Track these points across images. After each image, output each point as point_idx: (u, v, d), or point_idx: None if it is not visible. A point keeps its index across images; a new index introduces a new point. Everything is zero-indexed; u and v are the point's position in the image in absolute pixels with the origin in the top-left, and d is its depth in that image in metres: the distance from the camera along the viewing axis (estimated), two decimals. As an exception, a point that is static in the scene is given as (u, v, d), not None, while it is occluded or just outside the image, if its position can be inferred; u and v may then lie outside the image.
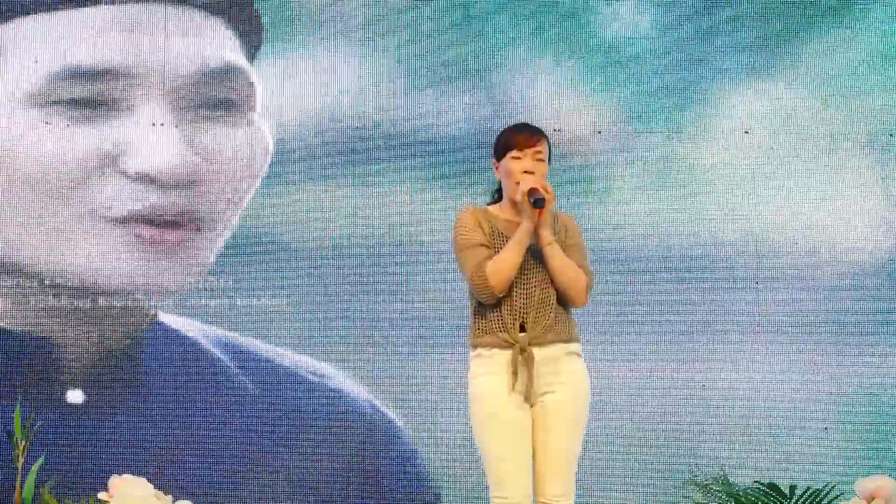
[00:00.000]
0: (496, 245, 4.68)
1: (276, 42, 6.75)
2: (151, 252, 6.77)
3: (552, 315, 4.69)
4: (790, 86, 6.42)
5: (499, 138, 4.78)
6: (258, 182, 6.74)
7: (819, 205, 6.38)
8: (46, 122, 6.76)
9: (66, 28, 6.80)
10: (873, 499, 5.62)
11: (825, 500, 5.77)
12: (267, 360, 6.80)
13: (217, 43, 6.80)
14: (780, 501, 5.70)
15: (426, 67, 6.65)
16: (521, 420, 4.65)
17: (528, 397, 4.65)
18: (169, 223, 6.76)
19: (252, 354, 6.81)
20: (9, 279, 6.87)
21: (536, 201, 4.61)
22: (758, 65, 6.42)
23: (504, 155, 4.73)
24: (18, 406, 6.27)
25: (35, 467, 6.12)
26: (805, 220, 6.38)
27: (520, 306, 4.67)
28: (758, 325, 6.31)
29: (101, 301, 6.82)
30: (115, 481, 5.96)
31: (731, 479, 5.93)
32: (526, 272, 4.68)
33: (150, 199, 6.71)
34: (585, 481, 6.20)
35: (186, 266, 6.78)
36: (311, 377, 6.77)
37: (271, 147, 6.76)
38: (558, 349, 4.69)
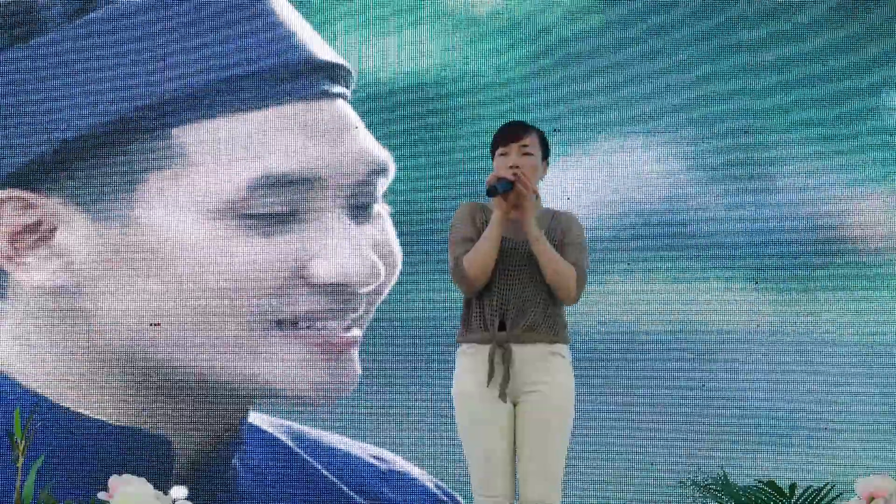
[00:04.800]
0: None
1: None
2: (335, 357, 6.53)
3: (537, 314, 4.69)
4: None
5: (491, 142, 4.80)
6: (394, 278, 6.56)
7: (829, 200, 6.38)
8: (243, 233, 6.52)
9: (255, 131, 6.51)
10: (873, 499, 5.62)
11: (825, 500, 5.77)
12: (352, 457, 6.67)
13: (369, 137, 6.54)
14: (779, 500, 5.70)
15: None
16: (500, 419, 4.65)
17: (504, 395, 4.66)
18: (349, 326, 6.52)
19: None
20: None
21: (490, 190, 4.62)
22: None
23: (494, 155, 4.75)
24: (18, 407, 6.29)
25: (35, 467, 6.13)
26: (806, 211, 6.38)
27: (498, 303, 4.67)
28: (758, 324, 6.31)
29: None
30: (115, 481, 5.95)
31: (731, 479, 5.93)
32: (508, 269, 4.67)
33: (338, 306, 6.47)
34: (584, 482, 6.20)
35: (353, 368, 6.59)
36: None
37: None
38: (541, 349, 4.69)
